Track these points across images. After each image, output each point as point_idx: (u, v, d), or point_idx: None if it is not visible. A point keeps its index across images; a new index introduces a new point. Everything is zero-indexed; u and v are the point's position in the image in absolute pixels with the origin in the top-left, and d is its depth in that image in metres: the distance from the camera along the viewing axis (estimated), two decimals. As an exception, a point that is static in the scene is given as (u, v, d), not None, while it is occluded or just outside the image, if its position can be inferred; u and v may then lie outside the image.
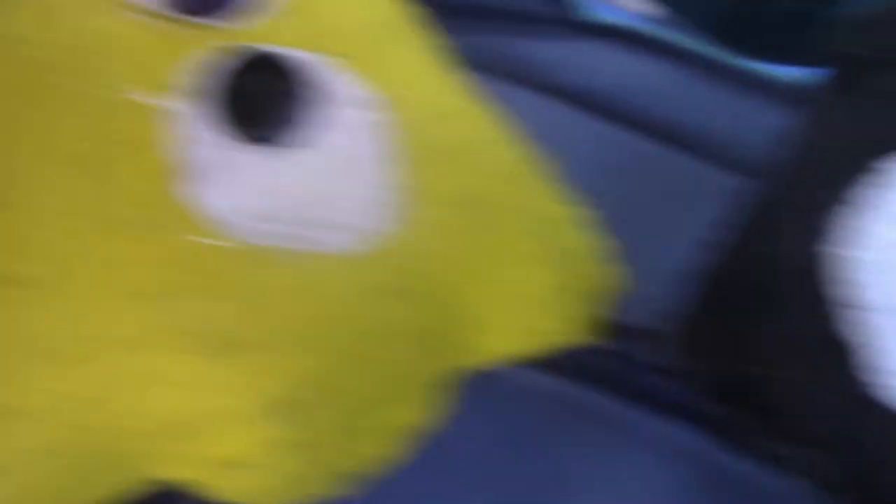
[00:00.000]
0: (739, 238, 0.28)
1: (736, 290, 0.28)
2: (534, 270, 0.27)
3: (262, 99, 0.24)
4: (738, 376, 0.27)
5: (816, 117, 0.28)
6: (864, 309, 0.24)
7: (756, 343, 0.27)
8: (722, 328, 0.28)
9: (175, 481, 0.23)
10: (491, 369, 0.28)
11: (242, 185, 0.23)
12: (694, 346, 0.29)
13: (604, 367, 0.29)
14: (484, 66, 0.30)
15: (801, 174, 0.28)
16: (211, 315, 0.23)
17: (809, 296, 0.25)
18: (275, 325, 0.23)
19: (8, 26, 0.24)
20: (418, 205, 0.24)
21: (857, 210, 0.25)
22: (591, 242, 0.28)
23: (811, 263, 0.25)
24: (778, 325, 0.26)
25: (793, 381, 0.26)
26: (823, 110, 0.28)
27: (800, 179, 0.28)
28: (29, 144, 0.23)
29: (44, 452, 0.22)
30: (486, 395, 0.28)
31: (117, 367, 0.22)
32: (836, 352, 0.25)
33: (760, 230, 0.28)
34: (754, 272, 0.28)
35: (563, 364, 0.29)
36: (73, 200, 0.22)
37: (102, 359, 0.22)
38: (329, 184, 0.24)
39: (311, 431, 0.24)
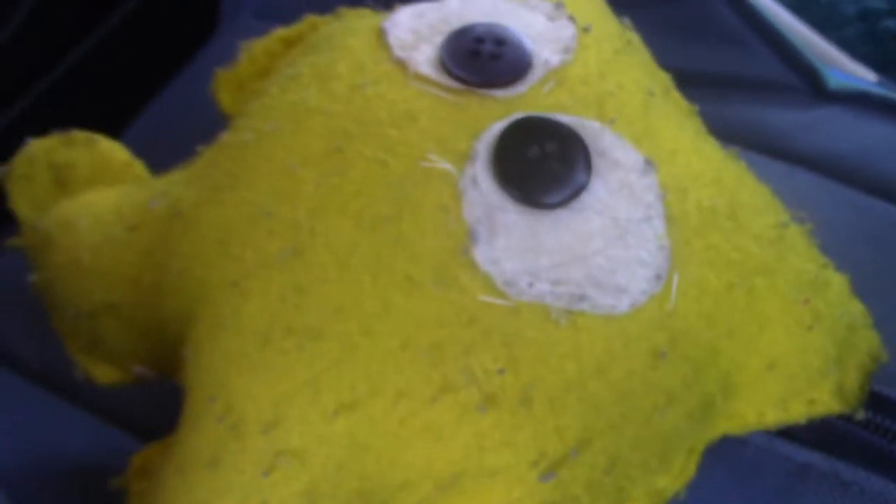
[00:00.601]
0: None
1: None
2: (806, 338, 0.26)
3: (540, 163, 0.24)
4: None
5: None
6: None
7: None
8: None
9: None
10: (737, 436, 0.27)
11: (519, 246, 0.24)
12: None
13: (859, 438, 0.28)
14: (724, 134, 0.30)
15: None
16: (476, 370, 0.23)
17: None
18: (540, 384, 0.23)
19: (303, 98, 0.26)
20: (685, 268, 0.25)
21: None
22: (860, 311, 0.27)
23: None
24: None
25: None
26: None
27: None
28: (334, 207, 0.24)
29: (303, 496, 0.22)
30: (728, 460, 0.28)
31: (382, 417, 0.23)
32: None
33: None
34: None
35: (815, 434, 0.28)
36: (369, 258, 0.24)
37: (368, 407, 0.23)
38: (600, 244, 0.24)
39: (573, 494, 0.24)
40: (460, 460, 0.23)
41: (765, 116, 0.36)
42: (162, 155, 0.31)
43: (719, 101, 0.36)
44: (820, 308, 0.26)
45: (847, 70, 0.41)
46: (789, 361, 0.26)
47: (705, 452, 0.26)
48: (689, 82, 0.30)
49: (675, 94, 0.29)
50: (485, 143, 0.25)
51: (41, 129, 0.33)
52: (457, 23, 0.28)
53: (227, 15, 0.43)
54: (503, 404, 0.23)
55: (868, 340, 0.27)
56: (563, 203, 0.24)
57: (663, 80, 0.29)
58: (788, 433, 0.28)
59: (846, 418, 0.28)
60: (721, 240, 0.25)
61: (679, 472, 0.25)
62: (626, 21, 0.30)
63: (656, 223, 0.25)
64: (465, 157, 0.25)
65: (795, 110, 0.36)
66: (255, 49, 0.31)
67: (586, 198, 0.24)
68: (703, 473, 0.26)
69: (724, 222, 0.26)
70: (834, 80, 0.37)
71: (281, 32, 0.31)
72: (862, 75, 0.41)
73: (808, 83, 0.37)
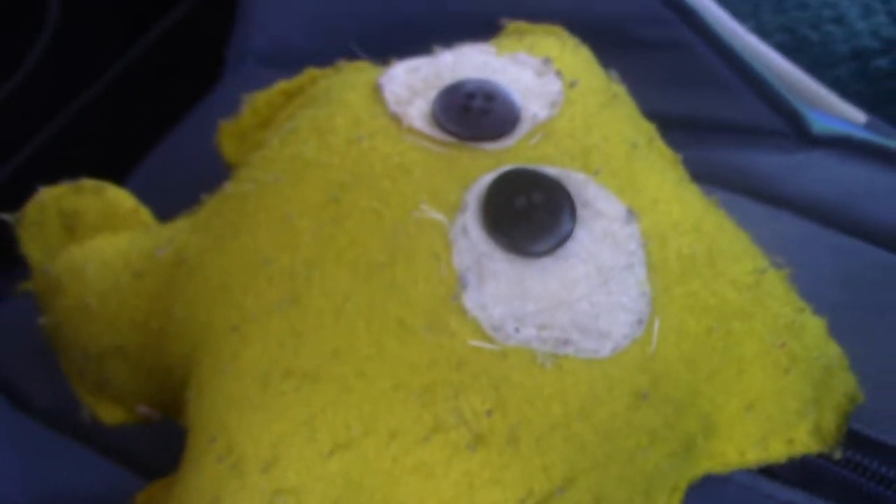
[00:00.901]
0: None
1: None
2: (784, 380, 0.27)
3: (527, 213, 0.25)
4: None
5: None
6: None
7: None
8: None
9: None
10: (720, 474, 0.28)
11: (506, 292, 0.25)
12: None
13: (840, 477, 0.29)
14: (709, 178, 0.31)
15: None
16: (465, 411, 0.24)
17: None
18: (527, 424, 0.24)
19: (301, 151, 0.28)
20: (666, 313, 0.26)
21: None
22: (836, 353, 0.28)
23: None
24: None
25: None
26: None
27: None
28: (331, 256, 0.25)
29: None
30: (711, 499, 0.29)
31: (375, 456, 0.24)
32: None
33: None
34: None
35: (797, 472, 0.29)
36: (363, 304, 0.25)
37: (362, 446, 0.24)
38: (584, 291, 0.25)
39: None
40: (451, 498, 0.24)
41: (750, 160, 0.37)
42: (166, 201, 0.32)
43: (705, 146, 0.37)
44: (797, 351, 0.27)
45: (836, 110, 0.41)
46: (767, 403, 0.27)
47: (689, 491, 0.27)
48: (675, 127, 0.31)
49: (660, 144, 0.30)
50: (474, 194, 0.26)
51: (48, 176, 0.33)
52: (449, 78, 0.29)
53: (233, 62, 0.44)
54: (491, 444, 0.24)
55: (845, 382, 0.28)
56: (548, 251, 0.25)
57: (648, 130, 0.30)
58: (771, 472, 0.29)
59: (826, 457, 0.28)
60: (700, 286, 0.26)
61: None
62: (614, 73, 0.31)
63: (638, 270, 0.26)
64: (456, 208, 0.26)
65: (780, 154, 0.37)
66: (257, 101, 0.33)
67: (571, 246, 0.25)
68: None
69: (703, 269, 0.27)
70: (818, 125, 0.38)
71: (282, 85, 0.33)
72: (851, 116, 0.42)
73: (793, 127, 0.37)
